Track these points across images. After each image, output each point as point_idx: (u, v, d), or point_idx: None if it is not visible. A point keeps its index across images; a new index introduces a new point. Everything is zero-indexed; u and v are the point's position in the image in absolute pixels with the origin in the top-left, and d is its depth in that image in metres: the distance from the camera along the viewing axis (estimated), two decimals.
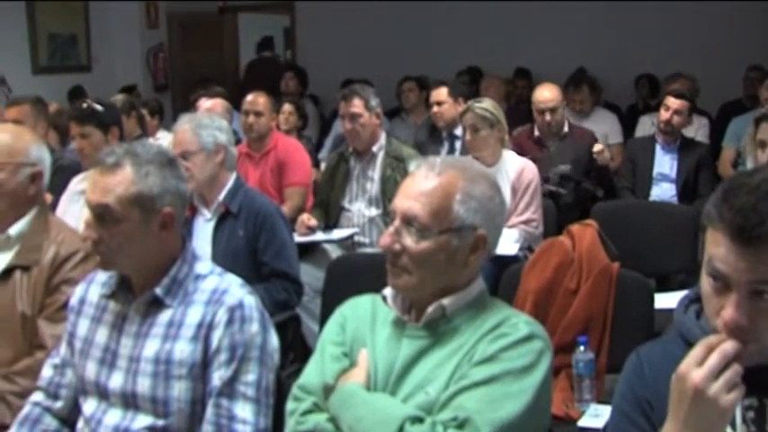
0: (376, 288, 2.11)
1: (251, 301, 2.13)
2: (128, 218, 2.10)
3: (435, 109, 5.73)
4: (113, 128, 4.08)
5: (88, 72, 9.72)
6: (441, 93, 5.73)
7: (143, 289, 2.17)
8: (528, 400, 1.76)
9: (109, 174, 2.12)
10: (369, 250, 4.46)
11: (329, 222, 4.70)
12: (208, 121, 3.64)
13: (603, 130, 6.64)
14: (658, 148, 5.54)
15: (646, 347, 1.62)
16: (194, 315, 2.11)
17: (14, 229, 2.66)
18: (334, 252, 4.53)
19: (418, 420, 1.78)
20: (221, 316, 2.08)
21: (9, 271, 2.60)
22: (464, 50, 9.06)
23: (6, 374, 2.48)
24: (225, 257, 3.31)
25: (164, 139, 6.01)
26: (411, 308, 1.96)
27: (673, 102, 5.45)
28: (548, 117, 5.36)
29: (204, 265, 2.24)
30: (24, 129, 2.95)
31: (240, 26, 11.80)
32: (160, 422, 2.09)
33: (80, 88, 8.91)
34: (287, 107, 6.53)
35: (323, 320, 3.47)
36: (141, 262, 2.16)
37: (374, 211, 4.60)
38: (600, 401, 2.81)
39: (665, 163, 5.52)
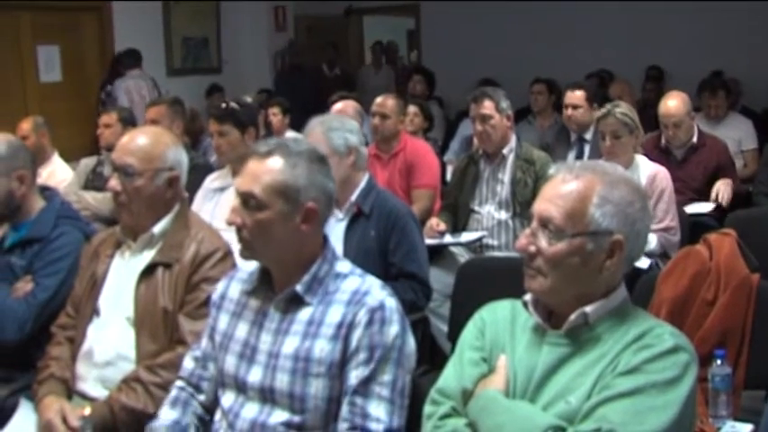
0: (507, 292, 2.11)
1: (392, 303, 2.14)
2: (271, 206, 2.14)
3: (569, 112, 5.65)
4: (250, 128, 4.18)
5: (219, 74, 10.02)
6: (577, 96, 5.65)
7: (283, 286, 2.20)
8: (673, 415, 1.73)
9: (259, 162, 2.17)
10: (498, 253, 4.42)
11: (458, 225, 4.67)
12: (338, 123, 3.63)
13: (738, 135, 6.43)
14: None
15: None
16: (335, 314, 2.13)
17: (158, 228, 2.74)
18: (462, 257, 4.49)
19: (561, 430, 1.76)
20: (362, 317, 2.09)
21: (152, 267, 2.69)
22: (593, 52, 8.90)
23: (150, 366, 2.57)
24: (356, 257, 3.28)
25: None
26: (551, 314, 1.94)
27: None
28: (671, 132, 5.25)
29: (344, 264, 2.26)
30: (162, 131, 2.98)
31: (365, 28, 11.95)
32: (296, 418, 2.12)
33: (217, 86, 9.31)
34: (412, 108, 6.54)
35: (452, 324, 3.48)
36: (280, 254, 2.19)
37: (504, 214, 4.54)
38: (737, 418, 2.69)
39: None
